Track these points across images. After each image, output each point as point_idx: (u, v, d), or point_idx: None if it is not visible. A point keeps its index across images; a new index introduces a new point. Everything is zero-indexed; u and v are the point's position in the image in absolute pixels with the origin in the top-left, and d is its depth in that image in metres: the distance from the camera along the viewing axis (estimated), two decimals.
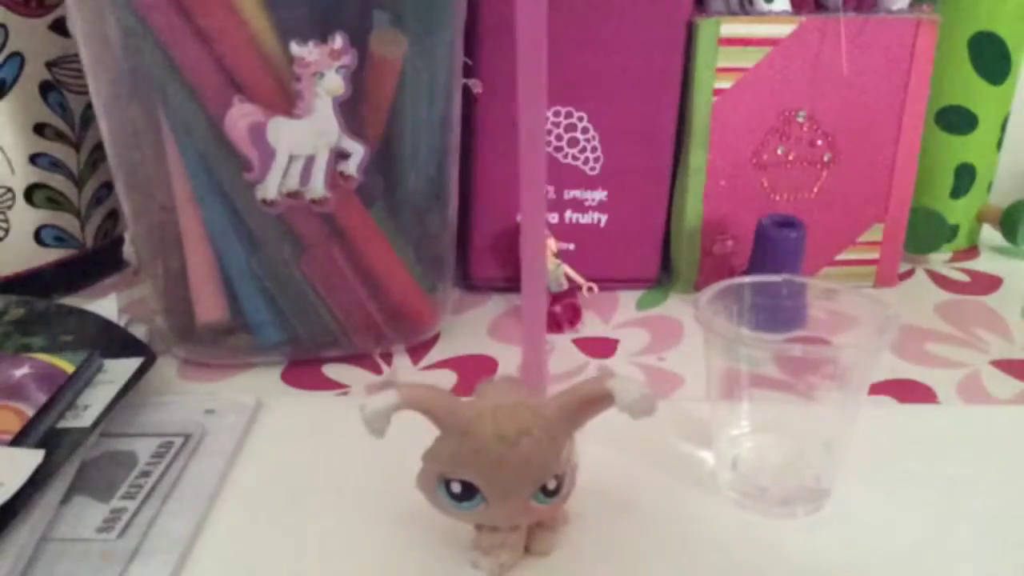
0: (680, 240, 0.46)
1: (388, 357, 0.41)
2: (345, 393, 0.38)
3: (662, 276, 0.48)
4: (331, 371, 0.39)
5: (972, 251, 0.53)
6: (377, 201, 0.38)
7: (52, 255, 0.45)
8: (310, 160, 0.35)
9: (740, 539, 0.28)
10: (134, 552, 0.27)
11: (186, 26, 0.32)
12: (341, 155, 0.35)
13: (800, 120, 0.44)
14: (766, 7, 0.43)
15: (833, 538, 0.28)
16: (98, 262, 0.47)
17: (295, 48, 0.32)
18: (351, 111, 0.35)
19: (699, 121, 0.44)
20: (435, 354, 0.41)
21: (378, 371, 0.39)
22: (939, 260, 0.51)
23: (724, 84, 0.43)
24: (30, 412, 0.31)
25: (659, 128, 0.44)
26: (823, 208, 0.45)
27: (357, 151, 0.35)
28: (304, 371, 0.39)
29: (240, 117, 0.33)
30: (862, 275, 0.47)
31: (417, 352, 0.41)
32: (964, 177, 0.50)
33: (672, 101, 0.44)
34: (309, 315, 0.39)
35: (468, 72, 0.39)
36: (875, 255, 0.47)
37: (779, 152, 0.44)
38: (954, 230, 0.51)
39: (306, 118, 0.34)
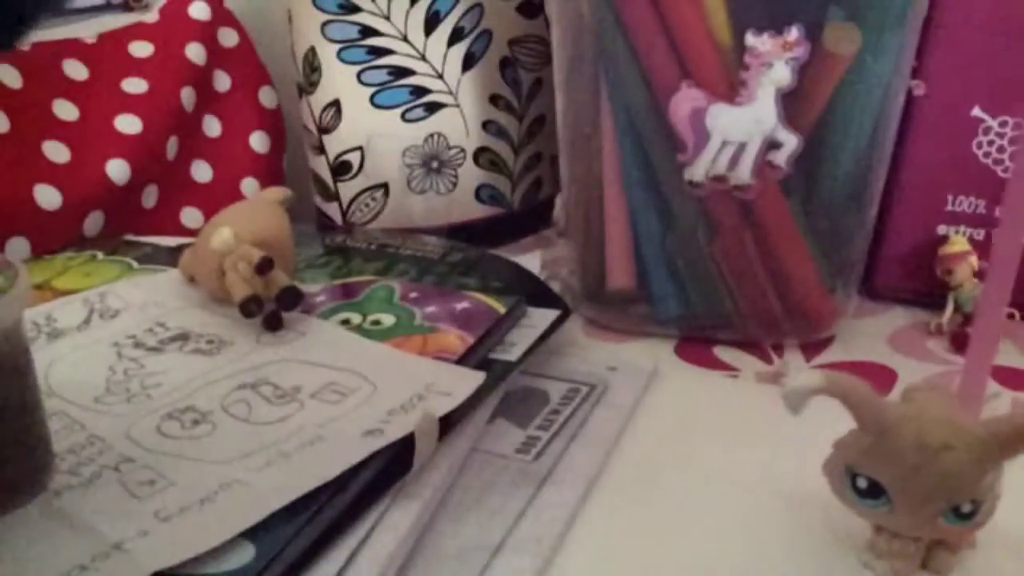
0: None
1: (780, 349, 0.41)
2: (735, 376, 0.39)
3: None
4: (722, 352, 0.41)
5: None
6: (796, 194, 0.38)
7: (486, 211, 0.51)
8: (742, 147, 0.36)
9: None
10: (546, 476, 0.31)
11: (652, 16, 0.35)
12: (772, 145, 0.36)
13: None
14: None
15: None
16: (521, 222, 0.52)
17: (750, 38, 0.34)
18: (789, 102, 0.35)
19: None
20: (829, 355, 0.40)
21: (769, 360, 0.40)
22: None
23: None
24: (470, 340, 0.36)
25: None
26: None
27: (789, 142, 0.36)
28: (696, 348, 0.41)
29: (684, 101, 0.36)
30: None
31: (810, 350, 0.41)
32: None
33: None
34: (710, 296, 0.40)
35: (911, 72, 0.38)
36: None
37: None
38: None
39: (746, 106, 0.35)
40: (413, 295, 0.39)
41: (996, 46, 0.39)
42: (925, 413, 0.24)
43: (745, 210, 0.38)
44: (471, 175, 0.50)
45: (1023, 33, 0.39)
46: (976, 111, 0.40)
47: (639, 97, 0.37)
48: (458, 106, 0.48)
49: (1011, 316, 0.41)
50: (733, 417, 0.35)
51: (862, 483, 0.25)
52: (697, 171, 0.37)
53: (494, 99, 0.49)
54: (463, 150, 0.49)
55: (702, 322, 0.41)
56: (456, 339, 0.36)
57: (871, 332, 0.42)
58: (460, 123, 0.49)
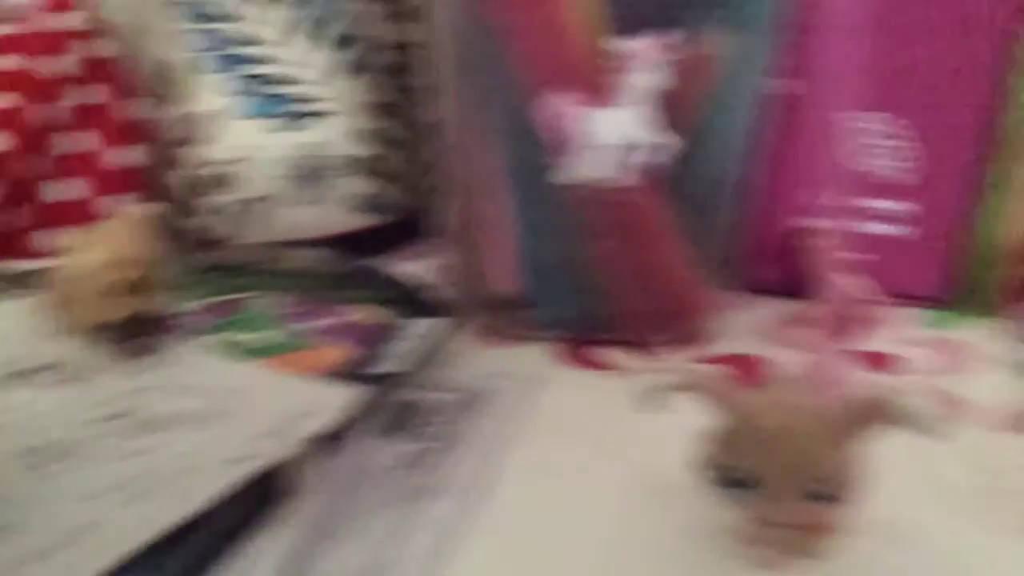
0: (987, 259, 0.43)
1: (662, 346, 0.42)
2: (621, 375, 0.39)
3: (958, 297, 0.45)
4: (604, 354, 0.41)
5: None
6: (671, 194, 0.39)
7: (369, 220, 0.50)
8: (617, 150, 0.37)
9: None
10: (435, 489, 0.31)
11: (524, 20, 0.35)
12: (647, 147, 0.37)
13: None
14: None
15: None
16: (405, 231, 0.52)
17: (621, 42, 0.34)
18: (663, 105, 0.36)
19: None
20: (704, 350, 0.42)
21: (652, 358, 0.41)
22: None
23: None
24: (354, 353, 0.35)
25: (978, 133, 0.42)
26: None
27: (663, 144, 0.36)
28: (581, 350, 0.41)
29: (557, 105, 0.36)
30: None
31: (686, 346, 0.42)
32: None
33: (996, 104, 0.41)
34: (590, 297, 0.41)
35: (783, 73, 0.40)
36: None
37: None
38: None
39: (620, 109, 0.36)
40: (293, 310, 0.38)
41: (865, 46, 0.40)
42: (778, 400, 0.25)
43: (621, 211, 0.39)
44: (352, 184, 0.49)
45: (892, 32, 0.40)
46: (846, 111, 0.42)
47: (513, 101, 0.37)
48: (338, 114, 0.48)
49: (881, 303, 0.43)
50: (619, 416, 0.35)
51: (725, 474, 0.26)
52: (574, 175, 0.37)
53: (375, 107, 0.49)
54: (343, 159, 0.48)
55: (585, 324, 0.42)
56: (339, 353, 0.35)
57: (744, 325, 0.44)
58: (340, 132, 0.48)
